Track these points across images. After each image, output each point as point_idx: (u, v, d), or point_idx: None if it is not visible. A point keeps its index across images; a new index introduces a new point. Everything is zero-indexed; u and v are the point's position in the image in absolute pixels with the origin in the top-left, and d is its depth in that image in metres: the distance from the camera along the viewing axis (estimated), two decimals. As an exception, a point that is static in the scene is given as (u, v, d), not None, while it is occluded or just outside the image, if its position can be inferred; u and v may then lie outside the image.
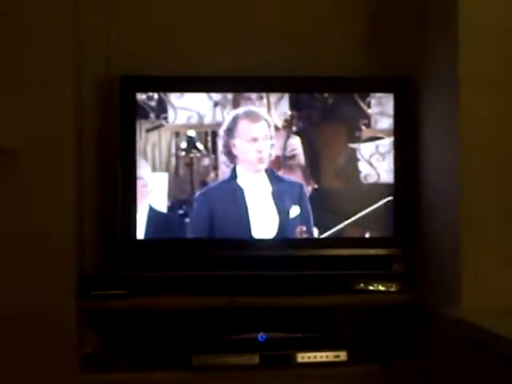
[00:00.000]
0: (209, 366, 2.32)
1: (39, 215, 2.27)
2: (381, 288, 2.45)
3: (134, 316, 2.47)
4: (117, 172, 2.43)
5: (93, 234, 2.51)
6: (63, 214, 2.29)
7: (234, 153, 2.45)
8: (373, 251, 2.46)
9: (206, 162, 2.45)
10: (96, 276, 2.44)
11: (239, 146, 2.44)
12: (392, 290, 2.44)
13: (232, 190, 2.45)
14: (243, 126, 2.45)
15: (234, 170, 2.45)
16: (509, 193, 2.16)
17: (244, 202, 2.45)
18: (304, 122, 2.48)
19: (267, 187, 2.47)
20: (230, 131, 2.44)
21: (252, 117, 2.45)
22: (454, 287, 2.17)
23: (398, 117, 2.47)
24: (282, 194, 2.47)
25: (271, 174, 2.46)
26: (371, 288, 2.45)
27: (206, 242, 2.45)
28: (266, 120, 2.45)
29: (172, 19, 2.55)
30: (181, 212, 2.44)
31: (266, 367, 2.35)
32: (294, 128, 2.47)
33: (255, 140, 2.45)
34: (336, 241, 2.46)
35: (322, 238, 2.46)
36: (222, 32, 2.56)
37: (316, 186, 2.48)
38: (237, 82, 2.47)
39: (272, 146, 2.46)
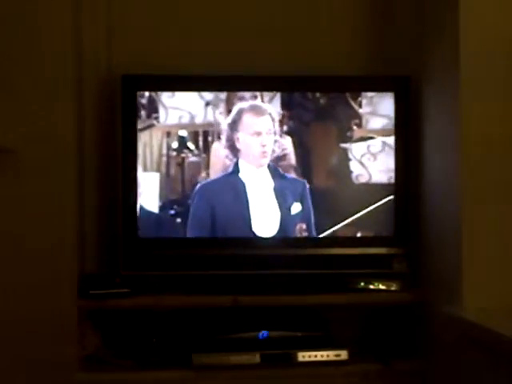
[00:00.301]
0: (209, 364, 2.32)
1: (40, 214, 2.27)
2: (381, 287, 2.45)
3: (134, 315, 2.47)
4: (118, 171, 2.43)
5: (94, 233, 2.50)
6: (64, 213, 2.29)
7: (237, 146, 2.44)
8: (373, 250, 2.46)
9: (198, 161, 2.44)
10: (96, 275, 2.44)
11: (242, 139, 2.44)
12: (392, 289, 2.44)
13: (234, 184, 2.45)
14: (247, 119, 2.44)
15: (236, 164, 2.45)
16: (509, 191, 2.16)
17: (245, 196, 2.45)
18: (295, 122, 2.47)
19: (269, 183, 2.46)
20: (234, 124, 2.43)
21: (256, 110, 2.45)
22: (454, 286, 2.17)
23: (398, 116, 2.47)
24: (284, 190, 2.46)
25: (274, 169, 2.46)
26: (372, 287, 2.45)
27: (206, 241, 2.45)
28: (270, 114, 2.45)
29: (172, 19, 2.55)
30: (172, 212, 2.44)
31: (266, 366, 2.35)
32: (285, 127, 2.47)
33: (259, 134, 2.45)
34: (337, 240, 2.45)
35: (323, 237, 2.46)
36: (221, 31, 2.56)
37: (308, 186, 2.47)
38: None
39: (276, 141, 2.46)
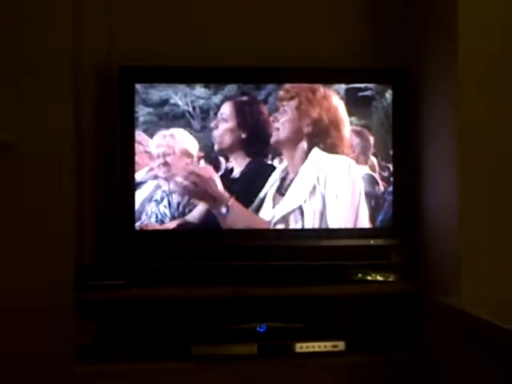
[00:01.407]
0: (208, 355, 2.33)
1: (38, 206, 2.27)
2: (379, 278, 2.45)
3: (132, 306, 2.47)
4: (116, 162, 2.42)
5: (91, 224, 2.49)
6: (62, 204, 2.29)
7: None
8: (372, 241, 2.46)
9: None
10: (94, 266, 2.43)
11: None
12: (390, 280, 2.45)
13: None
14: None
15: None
16: (507, 183, 2.16)
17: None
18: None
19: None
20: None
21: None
22: (452, 277, 2.18)
23: (396, 108, 2.47)
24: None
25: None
26: (370, 278, 2.45)
27: (205, 232, 2.45)
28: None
29: (170, 10, 2.55)
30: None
31: (264, 357, 2.35)
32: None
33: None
34: (335, 231, 2.46)
35: (321, 229, 2.46)
36: (221, 23, 2.56)
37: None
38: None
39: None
